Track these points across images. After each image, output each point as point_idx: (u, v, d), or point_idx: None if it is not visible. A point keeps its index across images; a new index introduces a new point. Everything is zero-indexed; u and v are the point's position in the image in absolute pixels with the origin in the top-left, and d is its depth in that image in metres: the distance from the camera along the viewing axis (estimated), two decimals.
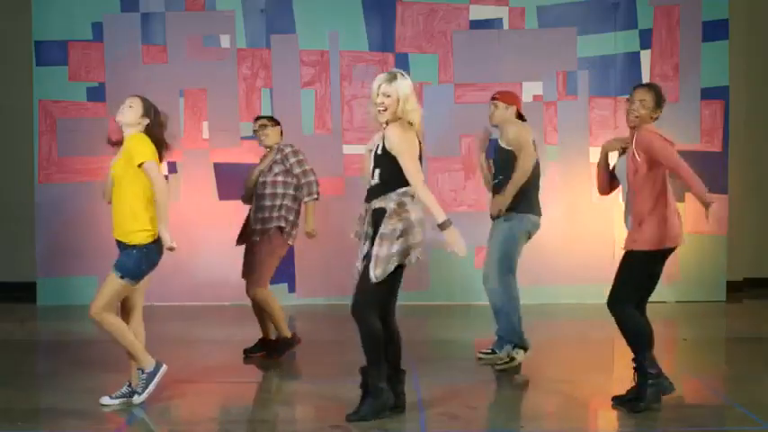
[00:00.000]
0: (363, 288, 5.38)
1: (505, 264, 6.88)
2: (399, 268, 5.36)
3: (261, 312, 7.29)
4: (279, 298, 7.51)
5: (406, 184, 5.35)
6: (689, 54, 10.05)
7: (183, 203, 10.04)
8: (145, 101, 5.79)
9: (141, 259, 5.63)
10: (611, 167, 5.96)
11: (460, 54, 10.09)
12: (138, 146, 5.61)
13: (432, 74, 10.05)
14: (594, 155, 10.04)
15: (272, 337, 7.34)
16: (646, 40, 10.09)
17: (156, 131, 5.76)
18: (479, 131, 7.06)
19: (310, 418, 5.96)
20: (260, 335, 7.39)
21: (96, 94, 10.08)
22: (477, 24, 10.11)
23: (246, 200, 7.46)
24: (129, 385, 5.80)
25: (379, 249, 5.30)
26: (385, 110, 5.34)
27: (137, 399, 5.72)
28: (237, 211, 9.92)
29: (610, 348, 8.00)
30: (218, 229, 10.00)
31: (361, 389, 5.47)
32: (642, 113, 5.65)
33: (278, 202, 7.18)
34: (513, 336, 6.88)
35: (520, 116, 7.13)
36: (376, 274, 5.30)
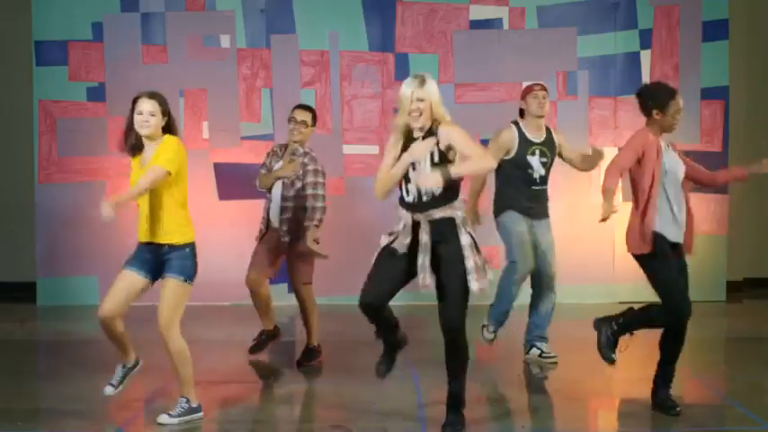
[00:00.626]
0: (459, 303, 5.15)
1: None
2: None
3: (266, 305, 7.22)
4: (279, 297, 7.52)
5: (459, 192, 5.23)
6: (689, 54, 10.05)
7: None
8: (160, 99, 5.70)
9: (195, 257, 5.58)
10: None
11: (460, 54, 10.09)
12: (170, 152, 5.44)
13: (432, 74, 10.00)
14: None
15: (270, 327, 7.31)
16: (646, 40, 10.09)
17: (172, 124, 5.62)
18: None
19: (310, 418, 5.97)
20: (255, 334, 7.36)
21: (96, 94, 10.08)
22: (477, 24, 10.11)
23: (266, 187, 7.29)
24: (188, 401, 5.61)
25: (475, 260, 5.13)
26: (420, 115, 5.18)
27: (110, 390, 5.58)
28: (237, 211, 9.95)
29: None
30: (218, 229, 10.00)
31: (449, 406, 5.37)
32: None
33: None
34: (500, 316, 7.02)
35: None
36: (482, 286, 5.14)
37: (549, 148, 7.10)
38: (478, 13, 10.10)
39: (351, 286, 9.25)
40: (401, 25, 10.11)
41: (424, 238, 5.14)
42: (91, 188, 9.97)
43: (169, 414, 5.52)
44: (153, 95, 5.65)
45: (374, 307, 5.19)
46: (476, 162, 5.13)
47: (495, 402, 6.23)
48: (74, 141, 10.07)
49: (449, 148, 5.14)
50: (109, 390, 5.63)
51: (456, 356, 5.26)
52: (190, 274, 5.54)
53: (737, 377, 6.74)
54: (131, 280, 5.46)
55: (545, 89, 7.17)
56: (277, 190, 7.10)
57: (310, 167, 7.02)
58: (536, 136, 7.07)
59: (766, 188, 10.86)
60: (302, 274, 7.09)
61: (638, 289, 9.36)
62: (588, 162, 7.13)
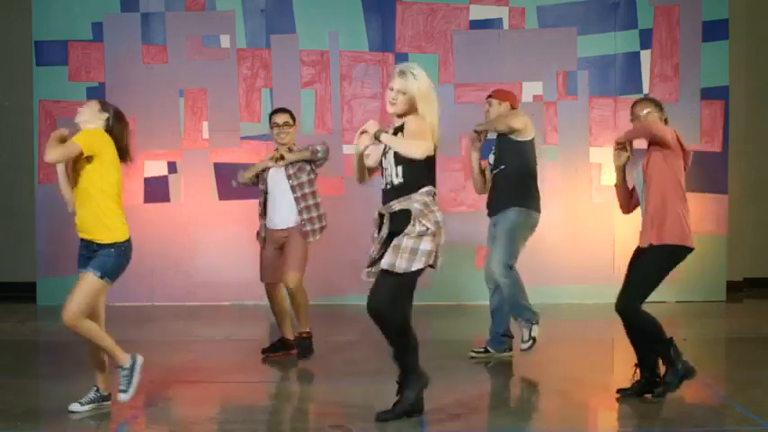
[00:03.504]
0: (387, 284, 5.16)
1: (509, 254, 6.85)
2: (420, 270, 5.20)
3: (282, 311, 7.23)
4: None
5: (429, 182, 5.27)
6: (689, 54, 10.05)
7: (183, 203, 10.05)
8: (101, 102, 5.71)
9: (122, 258, 5.50)
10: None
11: (460, 54, 10.09)
12: (80, 135, 5.44)
13: (432, 74, 9.94)
14: (594, 155, 10.09)
15: (290, 336, 7.30)
16: (646, 40, 10.09)
17: (116, 129, 5.58)
18: (472, 134, 7.00)
19: (310, 418, 5.96)
20: (266, 335, 7.35)
21: (96, 94, 10.06)
22: (477, 24, 10.11)
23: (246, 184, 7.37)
24: (98, 390, 5.64)
25: (408, 242, 5.11)
26: (394, 104, 5.31)
27: (124, 397, 5.54)
28: (237, 211, 9.95)
29: (610, 348, 8.01)
30: (217, 229, 10.01)
31: (398, 383, 5.39)
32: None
33: (311, 202, 7.16)
34: (528, 314, 6.86)
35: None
36: (402, 265, 5.10)
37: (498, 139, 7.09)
38: (478, 13, 10.10)
39: (351, 286, 9.31)
40: (401, 25, 10.11)
41: (384, 230, 5.23)
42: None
43: (122, 391, 5.52)
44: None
45: (377, 311, 5.21)
46: (408, 143, 5.17)
47: (495, 402, 6.23)
48: None
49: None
50: (75, 407, 5.59)
51: (391, 336, 5.28)
52: (106, 271, 5.43)
53: (737, 377, 6.74)
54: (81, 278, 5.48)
55: (491, 96, 7.22)
56: (274, 189, 7.15)
57: (311, 148, 7.18)
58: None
59: (766, 188, 10.87)
60: (295, 263, 7.10)
61: None
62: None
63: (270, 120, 7.34)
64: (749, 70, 10.56)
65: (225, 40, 10.12)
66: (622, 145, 5.89)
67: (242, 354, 7.53)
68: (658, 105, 5.91)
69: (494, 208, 7.03)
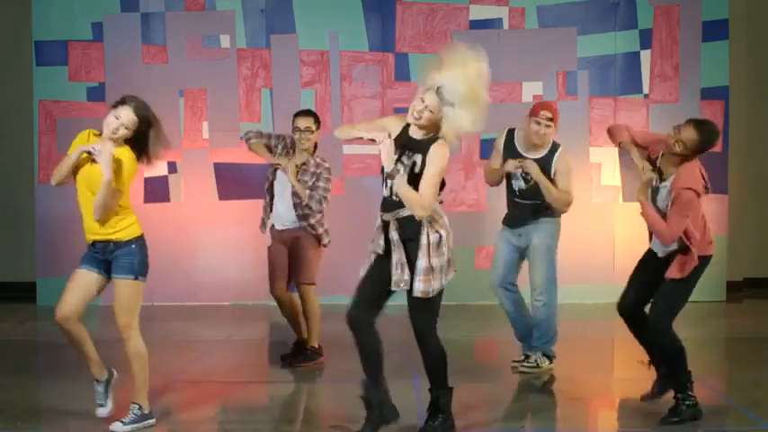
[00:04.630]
0: (422, 305, 5.09)
1: (554, 273, 6.85)
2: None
3: (294, 315, 7.13)
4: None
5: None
6: (689, 54, 10.05)
7: (183, 203, 10.05)
8: (137, 106, 5.72)
9: (145, 251, 5.43)
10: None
11: None
12: (125, 166, 5.43)
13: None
14: (594, 155, 10.08)
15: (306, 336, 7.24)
16: (646, 40, 10.08)
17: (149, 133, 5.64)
18: (514, 165, 6.67)
19: (310, 418, 5.97)
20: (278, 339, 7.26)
21: (96, 94, 10.07)
22: (477, 24, 10.11)
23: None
24: (140, 407, 5.48)
25: (428, 262, 5.03)
26: (419, 119, 5.04)
27: (118, 427, 5.42)
28: (237, 211, 9.95)
29: (610, 348, 8.02)
30: (218, 229, 10.01)
31: (429, 412, 5.32)
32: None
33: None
34: (550, 347, 6.82)
35: None
36: (425, 288, 5.04)
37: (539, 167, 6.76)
38: (478, 13, 10.09)
39: (351, 286, 9.28)
40: (401, 25, 10.11)
41: (395, 236, 5.09)
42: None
43: (122, 421, 5.41)
44: (129, 101, 5.84)
45: (359, 322, 5.20)
46: (416, 200, 4.98)
47: (495, 402, 6.23)
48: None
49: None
50: (101, 412, 5.54)
51: (428, 360, 5.21)
52: (141, 271, 5.38)
53: (737, 377, 6.74)
54: (82, 277, 5.46)
55: (551, 117, 6.77)
56: (280, 188, 7.08)
57: (319, 171, 7.03)
58: (528, 152, 6.78)
59: (766, 188, 10.87)
60: (306, 274, 7.05)
61: None
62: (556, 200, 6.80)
63: (293, 121, 7.13)
64: (749, 70, 10.56)
65: (225, 40, 10.11)
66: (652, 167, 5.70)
67: (242, 354, 7.54)
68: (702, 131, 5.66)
69: (521, 220, 6.86)
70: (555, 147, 6.80)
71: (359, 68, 10.09)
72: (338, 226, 9.10)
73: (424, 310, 5.12)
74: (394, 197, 5.07)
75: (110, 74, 10.07)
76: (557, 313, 6.83)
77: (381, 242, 5.16)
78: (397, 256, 5.08)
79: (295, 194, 7.00)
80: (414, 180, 5.02)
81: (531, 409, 6.02)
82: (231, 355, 7.51)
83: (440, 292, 5.13)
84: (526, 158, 6.70)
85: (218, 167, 10.07)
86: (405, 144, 5.09)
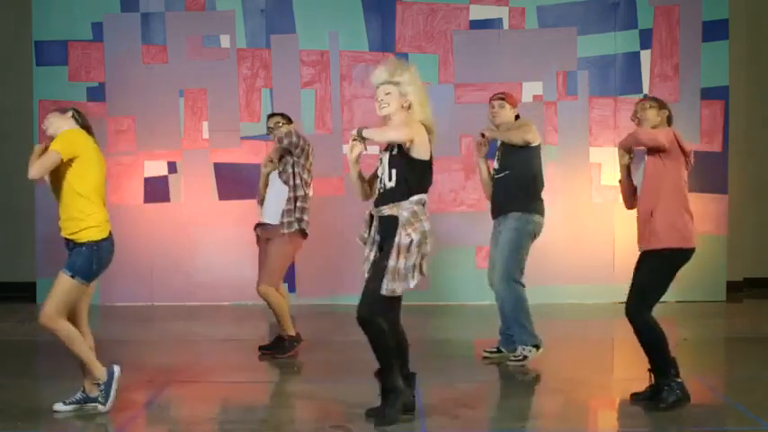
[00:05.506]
0: (373, 296, 5.20)
1: (512, 266, 6.87)
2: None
3: (279, 311, 7.27)
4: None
5: (422, 190, 5.29)
6: (689, 54, 10.05)
7: (183, 203, 10.05)
8: (56, 108, 5.83)
9: (93, 257, 5.51)
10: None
11: (460, 54, 10.10)
12: (57, 141, 5.50)
13: (432, 74, 10.04)
14: (594, 155, 10.09)
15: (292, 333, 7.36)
16: (646, 40, 10.09)
17: (84, 122, 5.76)
18: (478, 137, 7.00)
19: (310, 418, 5.96)
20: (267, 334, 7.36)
21: (96, 94, 10.08)
22: (477, 24, 10.11)
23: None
24: (84, 391, 5.62)
25: (396, 262, 5.15)
26: (386, 107, 5.33)
27: (102, 409, 5.54)
28: (237, 211, 9.95)
29: (610, 348, 8.01)
30: (217, 229, 10.01)
31: (380, 395, 5.39)
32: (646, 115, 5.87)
33: (291, 195, 7.19)
34: (526, 337, 6.88)
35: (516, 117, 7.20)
36: (392, 287, 5.16)
37: (502, 144, 7.05)
38: (478, 13, 10.10)
39: (350, 286, 9.30)
40: (401, 25, 10.12)
41: (373, 232, 5.29)
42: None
43: (101, 403, 5.53)
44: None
45: (367, 321, 5.23)
46: (384, 130, 5.30)
47: (495, 402, 6.23)
48: None
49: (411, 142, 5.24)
50: (59, 406, 5.64)
51: (372, 344, 5.29)
52: (77, 271, 5.49)
53: (737, 377, 6.74)
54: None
55: (501, 97, 7.21)
56: (271, 185, 7.30)
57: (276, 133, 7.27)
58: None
59: (766, 188, 10.87)
60: (265, 275, 7.15)
61: None
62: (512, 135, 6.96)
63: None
64: (749, 70, 10.56)
65: (225, 40, 10.12)
66: (622, 148, 5.89)
67: (242, 354, 7.53)
68: (660, 103, 5.89)
69: (496, 211, 7.04)
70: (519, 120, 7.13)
71: (359, 68, 10.09)
72: (338, 226, 9.12)
73: (370, 302, 5.21)
74: (380, 190, 5.31)
75: (110, 74, 10.07)
76: (521, 308, 6.83)
77: (365, 235, 5.37)
78: (367, 252, 5.31)
79: (286, 182, 7.17)
80: (392, 161, 5.30)
81: (531, 409, 6.02)
82: (231, 355, 7.50)
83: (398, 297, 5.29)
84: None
85: (218, 167, 10.08)
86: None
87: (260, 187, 7.40)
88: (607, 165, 9.91)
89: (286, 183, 7.14)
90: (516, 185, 6.89)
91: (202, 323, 9.02)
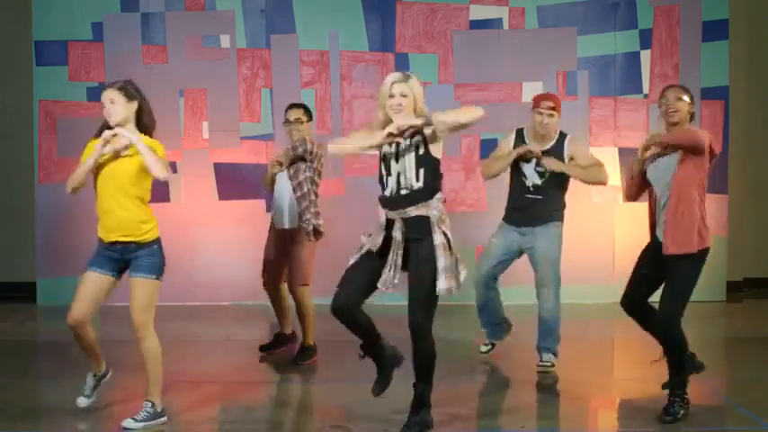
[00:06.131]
0: (427, 302, 5.12)
1: (559, 277, 6.91)
2: None
3: (282, 307, 7.27)
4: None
5: (440, 188, 5.24)
6: (689, 54, 10.05)
7: (183, 203, 10.05)
8: (122, 87, 5.59)
9: (163, 252, 5.52)
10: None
11: (460, 54, 10.09)
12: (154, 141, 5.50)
13: (432, 74, 10.04)
14: (595, 155, 10.06)
15: (287, 331, 7.35)
16: (646, 40, 10.09)
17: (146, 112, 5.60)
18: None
19: (310, 418, 5.97)
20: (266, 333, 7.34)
21: (96, 94, 9.97)
22: (477, 24, 10.11)
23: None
24: (153, 405, 5.51)
25: (445, 261, 5.09)
26: (402, 110, 5.14)
27: (131, 424, 5.44)
28: (237, 211, 9.95)
29: (610, 348, 8.02)
30: (218, 229, 10.00)
31: (413, 406, 5.31)
32: (681, 106, 5.66)
33: (307, 201, 7.14)
34: (555, 343, 6.91)
35: None
36: (449, 286, 5.09)
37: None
38: (478, 13, 10.09)
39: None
40: (401, 25, 10.11)
41: (398, 235, 5.13)
42: (91, 188, 9.95)
43: (134, 418, 5.42)
44: (112, 84, 5.63)
45: (345, 310, 5.18)
46: (464, 110, 5.21)
47: (495, 402, 6.23)
48: (74, 141, 9.99)
49: (433, 133, 5.14)
50: (82, 401, 5.67)
51: (421, 357, 5.21)
52: (160, 271, 5.51)
53: (737, 377, 6.74)
54: (94, 278, 5.47)
55: (552, 107, 6.88)
56: (281, 188, 7.16)
57: (307, 147, 7.10)
58: (539, 145, 6.83)
59: (766, 188, 10.87)
60: (299, 275, 7.09)
61: None
62: (590, 175, 6.87)
63: (285, 114, 7.30)
64: (749, 70, 10.56)
65: (225, 40, 10.12)
66: (656, 144, 5.66)
67: (242, 354, 7.53)
68: (691, 96, 5.73)
69: (531, 218, 6.90)
70: (562, 136, 6.94)
71: (359, 68, 10.09)
72: (338, 226, 9.11)
73: (427, 307, 5.14)
74: (402, 192, 5.13)
75: (110, 74, 10.05)
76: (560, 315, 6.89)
77: (379, 240, 5.18)
78: (393, 256, 5.12)
79: (295, 188, 7.09)
80: (420, 161, 5.14)
81: (532, 409, 6.02)
82: (231, 355, 7.51)
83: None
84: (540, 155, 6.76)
85: (218, 167, 10.07)
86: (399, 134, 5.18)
87: (266, 185, 7.35)
88: (607, 165, 9.85)
89: (298, 187, 7.08)
90: (558, 197, 6.87)
91: (202, 323, 9.02)
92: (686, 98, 5.65)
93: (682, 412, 5.51)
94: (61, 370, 6.92)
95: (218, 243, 9.94)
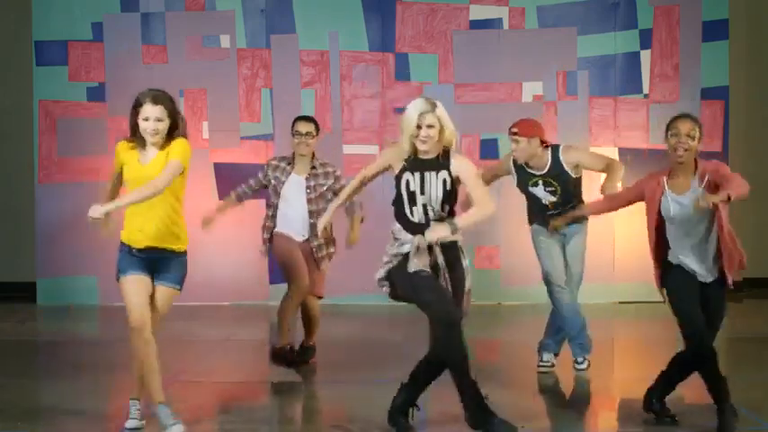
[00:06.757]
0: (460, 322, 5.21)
1: (582, 275, 6.85)
2: None
3: (311, 317, 7.12)
4: (279, 299, 7.48)
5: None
6: (689, 54, 10.05)
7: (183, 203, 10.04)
8: (165, 101, 5.48)
9: (187, 264, 5.40)
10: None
11: (460, 54, 10.09)
12: (180, 149, 5.30)
13: (432, 74, 10.05)
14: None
15: (311, 342, 7.21)
16: (646, 40, 10.09)
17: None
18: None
19: (310, 418, 5.97)
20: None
21: (96, 94, 10.08)
22: (477, 24, 10.11)
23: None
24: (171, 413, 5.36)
25: (469, 283, 5.27)
26: (428, 140, 5.17)
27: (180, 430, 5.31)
28: (237, 211, 9.93)
29: (610, 348, 8.01)
30: (218, 229, 9.97)
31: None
32: (692, 145, 5.39)
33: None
34: (588, 337, 6.83)
35: (543, 143, 6.64)
36: (467, 310, 5.29)
37: (554, 178, 6.61)
38: (478, 13, 10.09)
39: (351, 286, 9.32)
40: (401, 25, 10.11)
41: (441, 260, 5.18)
42: (91, 188, 9.95)
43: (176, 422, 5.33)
44: (157, 98, 5.43)
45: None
46: (479, 210, 5.27)
47: (495, 402, 6.22)
48: (74, 141, 10.07)
49: (459, 179, 5.24)
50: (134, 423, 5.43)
51: (462, 370, 5.23)
52: (183, 282, 5.40)
53: (738, 377, 6.73)
54: (140, 282, 5.26)
55: (515, 132, 6.55)
56: (290, 197, 6.99)
57: (338, 173, 7.05)
58: (537, 168, 6.62)
59: (766, 188, 10.86)
60: (322, 287, 7.03)
61: (637, 289, 9.41)
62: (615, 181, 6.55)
63: (293, 126, 7.03)
64: (749, 70, 10.56)
65: (225, 40, 10.12)
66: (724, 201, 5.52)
67: (242, 354, 7.53)
68: (701, 127, 5.51)
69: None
70: (555, 150, 6.64)
71: (359, 68, 10.09)
72: (337, 226, 9.09)
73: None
74: (431, 218, 5.18)
75: (110, 74, 10.07)
76: None
77: (428, 263, 5.15)
78: (444, 283, 5.19)
79: (311, 202, 6.92)
80: (448, 195, 5.21)
81: (532, 409, 6.02)
82: (231, 355, 7.51)
83: None
84: (541, 177, 6.61)
85: (218, 167, 10.07)
86: (424, 168, 5.22)
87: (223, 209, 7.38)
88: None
89: (316, 202, 6.90)
90: (576, 201, 6.73)
91: (202, 323, 9.03)
92: (697, 134, 5.41)
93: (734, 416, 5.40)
94: (61, 370, 6.92)
95: (219, 243, 9.93)
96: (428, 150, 5.21)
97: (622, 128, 10.00)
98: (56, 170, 10.10)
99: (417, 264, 5.13)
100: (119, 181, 5.43)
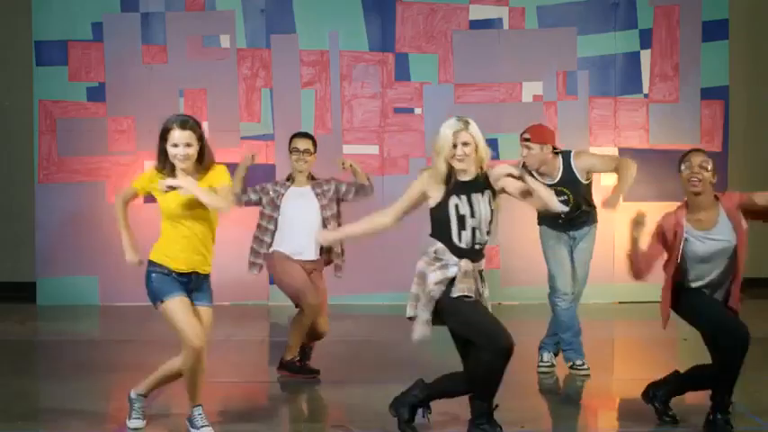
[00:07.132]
0: None
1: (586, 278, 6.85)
2: None
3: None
4: (279, 299, 7.49)
5: None
6: (689, 54, 10.06)
7: None
8: (194, 126, 5.43)
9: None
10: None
11: (460, 54, 10.10)
12: (224, 175, 5.33)
13: (432, 74, 10.05)
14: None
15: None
16: (646, 40, 10.09)
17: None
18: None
19: (310, 418, 5.97)
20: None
21: (96, 94, 10.08)
22: (477, 24, 10.11)
23: None
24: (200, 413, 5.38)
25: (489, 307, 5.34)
26: (464, 159, 5.09)
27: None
28: (237, 211, 9.91)
29: (610, 348, 8.01)
30: (218, 229, 9.98)
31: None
32: (706, 176, 5.32)
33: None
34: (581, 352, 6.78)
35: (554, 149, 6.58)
36: None
37: (567, 186, 6.56)
38: (478, 13, 10.10)
39: (351, 287, 9.31)
40: (401, 25, 10.12)
41: (480, 285, 5.21)
42: (91, 188, 9.98)
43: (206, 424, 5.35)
44: (185, 124, 5.35)
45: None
46: (544, 190, 5.20)
47: (495, 403, 6.22)
48: (74, 141, 10.07)
49: (502, 189, 5.18)
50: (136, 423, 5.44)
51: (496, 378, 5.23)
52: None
53: (738, 377, 6.73)
54: (188, 304, 5.27)
55: (527, 138, 6.50)
56: (291, 217, 6.82)
57: (334, 178, 6.91)
58: (548, 176, 6.55)
59: (766, 188, 10.85)
60: (326, 306, 6.89)
61: (637, 289, 9.41)
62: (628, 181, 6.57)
63: (290, 143, 6.91)
64: (749, 70, 10.56)
65: (225, 40, 10.12)
66: (642, 218, 5.35)
67: (242, 354, 7.53)
68: (714, 164, 5.44)
69: (578, 224, 6.83)
70: (566, 157, 6.60)
71: (359, 68, 10.10)
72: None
73: None
74: (476, 246, 5.15)
75: (110, 74, 10.07)
76: None
77: (473, 287, 5.16)
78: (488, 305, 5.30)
79: (324, 208, 6.76)
80: (490, 215, 5.19)
81: (531, 409, 6.02)
82: (231, 355, 7.50)
83: None
84: (553, 186, 6.45)
85: None
86: (471, 190, 5.14)
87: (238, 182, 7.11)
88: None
89: (327, 221, 6.74)
90: (587, 205, 6.77)
91: None
92: (710, 167, 5.35)
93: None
94: (61, 370, 6.92)
95: (219, 243, 9.86)
96: (465, 169, 5.11)
97: (622, 128, 10.01)
98: (56, 170, 10.10)
99: (463, 289, 5.08)
100: (132, 199, 5.46)
